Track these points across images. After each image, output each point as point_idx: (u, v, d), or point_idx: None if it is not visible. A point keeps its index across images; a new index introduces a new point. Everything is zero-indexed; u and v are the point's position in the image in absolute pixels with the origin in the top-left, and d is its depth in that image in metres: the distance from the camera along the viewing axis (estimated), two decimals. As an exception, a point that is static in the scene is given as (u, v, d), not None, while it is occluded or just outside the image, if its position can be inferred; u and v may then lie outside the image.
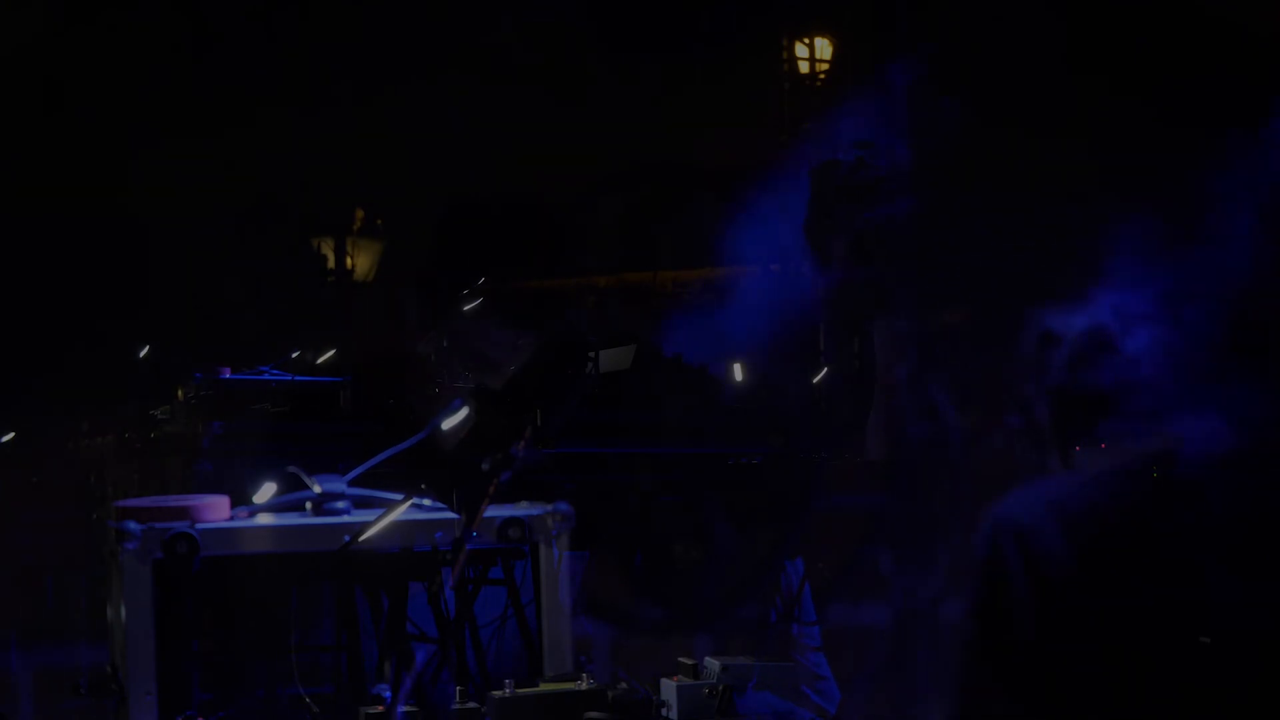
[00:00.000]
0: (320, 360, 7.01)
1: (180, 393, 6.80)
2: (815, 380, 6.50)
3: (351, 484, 4.25)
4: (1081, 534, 3.15)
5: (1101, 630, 3.07)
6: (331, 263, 8.60)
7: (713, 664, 4.04)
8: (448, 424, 4.42)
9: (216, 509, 4.07)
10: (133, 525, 3.92)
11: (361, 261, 8.28)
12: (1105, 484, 3.30)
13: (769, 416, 6.03)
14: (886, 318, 6.21)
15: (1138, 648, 3.06)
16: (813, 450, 6.06)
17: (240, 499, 4.26)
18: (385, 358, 6.84)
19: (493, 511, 4.14)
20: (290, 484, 4.25)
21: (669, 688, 3.99)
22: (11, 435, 7.62)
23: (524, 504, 4.29)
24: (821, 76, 11.10)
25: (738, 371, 6.43)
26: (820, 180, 6.53)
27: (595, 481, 5.60)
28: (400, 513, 4.06)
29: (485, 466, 4.09)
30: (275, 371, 6.55)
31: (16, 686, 6.83)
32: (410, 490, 4.20)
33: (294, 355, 7.02)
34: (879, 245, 6.25)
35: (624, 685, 3.92)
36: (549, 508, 4.24)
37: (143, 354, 7.03)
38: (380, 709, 3.82)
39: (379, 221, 8.07)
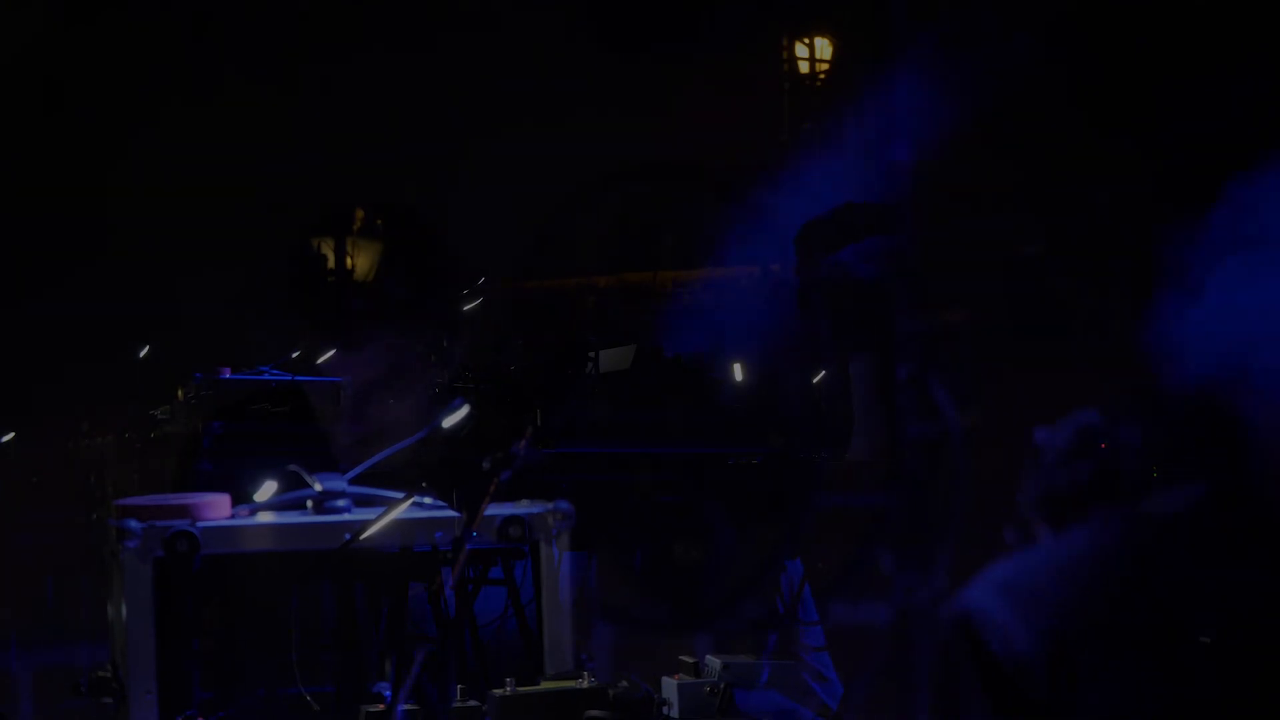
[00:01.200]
0: (320, 360, 7.01)
1: (180, 393, 6.79)
2: (815, 380, 6.49)
3: (352, 482, 4.25)
4: (1041, 617, 3.15)
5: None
6: (331, 263, 8.54)
7: (714, 662, 4.05)
8: (448, 422, 4.41)
9: (217, 507, 4.07)
10: (133, 523, 3.92)
11: (361, 261, 8.22)
12: (1069, 565, 3.32)
13: (769, 416, 6.03)
14: (864, 357, 6.19)
15: None
16: (813, 450, 6.06)
17: (241, 498, 4.26)
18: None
19: (493, 510, 4.13)
20: (291, 482, 4.25)
21: (670, 686, 3.99)
22: (11, 435, 7.62)
23: (525, 502, 4.29)
24: (821, 76, 11.09)
25: (738, 371, 6.43)
26: (804, 241, 6.50)
27: (595, 481, 5.60)
28: (401, 511, 4.06)
29: (486, 465, 4.09)
30: (275, 371, 6.55)
31: (17, 686, 6.83)
32: (411, 488, 4.20)
33: (294, 355, 7.02)
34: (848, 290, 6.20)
35: (625, 684, 3.92)
36: (549, 506, 4.24)
37: (142, 354, 7.03)
38: (381, 707, 3.82)
39: (379, 222, 8.02)
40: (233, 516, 4.11)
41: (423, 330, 7.10)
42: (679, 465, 5.76)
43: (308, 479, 4.20)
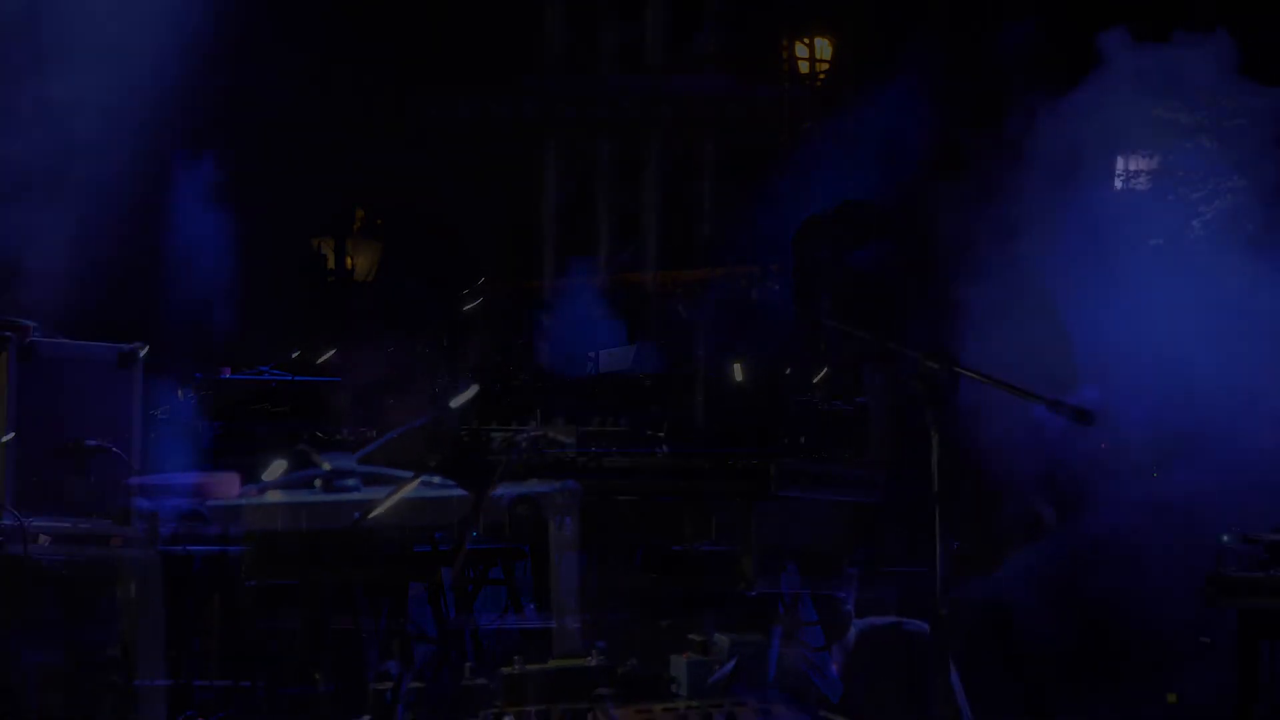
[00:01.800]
0: (320, 360, 7.01)
1: (180, 393, 6.78)
2: (815, 380, 6.50)
3: (361, 462, 4.25)
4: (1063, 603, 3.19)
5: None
6: (331, 263, 8.55)
7: (722, 639, 4.04)
8: (456, 403, 4.42)
9: (226, 485, 4.07)
10: (143, 502, 3.93)
11: (361, 261, 8.26)
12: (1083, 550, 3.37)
13: (768, 416, 6.04)
14: (878, 365, 6.19)
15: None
16: (812, 450, 6.06)
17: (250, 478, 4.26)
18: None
19: (503, 489, 4.13)
20: (300, 461, 4.24)
21: (678, 664, 3.99)
22: (12, 435, 7.59)
23: (533, 481, 4.29)
24: (821, 76, 11.10)
25: (738, 371, 6.43)
26: (803, 241, 6.50)
27: (595, 481, 5.60)
28: (410, 490, 4.06)
29: (495, 445, 4.10)
30: (275, 371, 6.55)
31: (20, 684, 6.79)
32: (419, 468, 4.19)
33: (294, 355, 7.02)
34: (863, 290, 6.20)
35: (633, 662, 3.92)
36: (558, 485, 4.24)
37: (142, 354, 7.02)
38: (389, 685, 3.82)
39: (379, 222, 8.07)
40: (242, 495, 4.11)
41: (423, 330, 7.11)
42: (679, 465, 5.76)
43: (316, 458, 4.19)
